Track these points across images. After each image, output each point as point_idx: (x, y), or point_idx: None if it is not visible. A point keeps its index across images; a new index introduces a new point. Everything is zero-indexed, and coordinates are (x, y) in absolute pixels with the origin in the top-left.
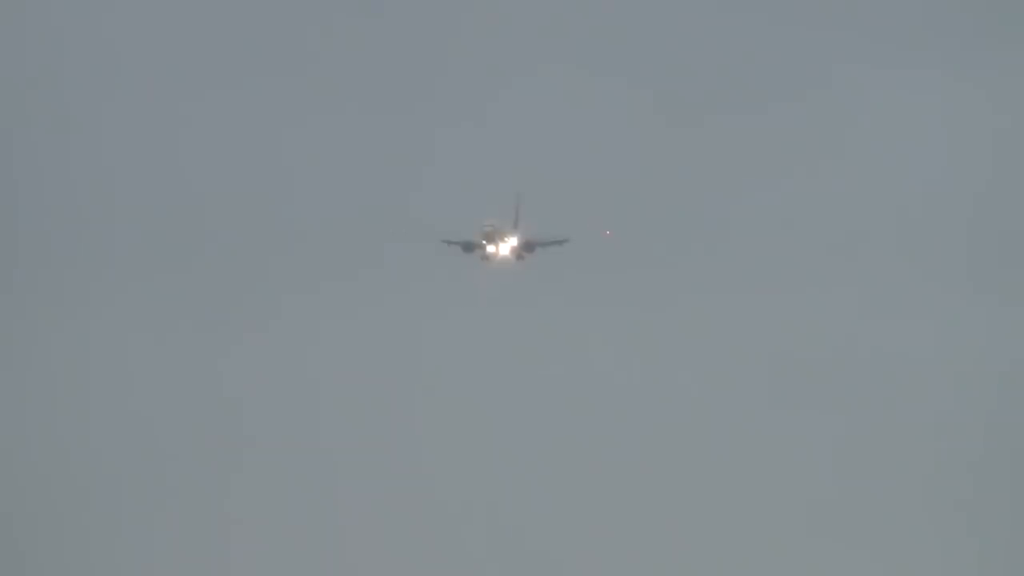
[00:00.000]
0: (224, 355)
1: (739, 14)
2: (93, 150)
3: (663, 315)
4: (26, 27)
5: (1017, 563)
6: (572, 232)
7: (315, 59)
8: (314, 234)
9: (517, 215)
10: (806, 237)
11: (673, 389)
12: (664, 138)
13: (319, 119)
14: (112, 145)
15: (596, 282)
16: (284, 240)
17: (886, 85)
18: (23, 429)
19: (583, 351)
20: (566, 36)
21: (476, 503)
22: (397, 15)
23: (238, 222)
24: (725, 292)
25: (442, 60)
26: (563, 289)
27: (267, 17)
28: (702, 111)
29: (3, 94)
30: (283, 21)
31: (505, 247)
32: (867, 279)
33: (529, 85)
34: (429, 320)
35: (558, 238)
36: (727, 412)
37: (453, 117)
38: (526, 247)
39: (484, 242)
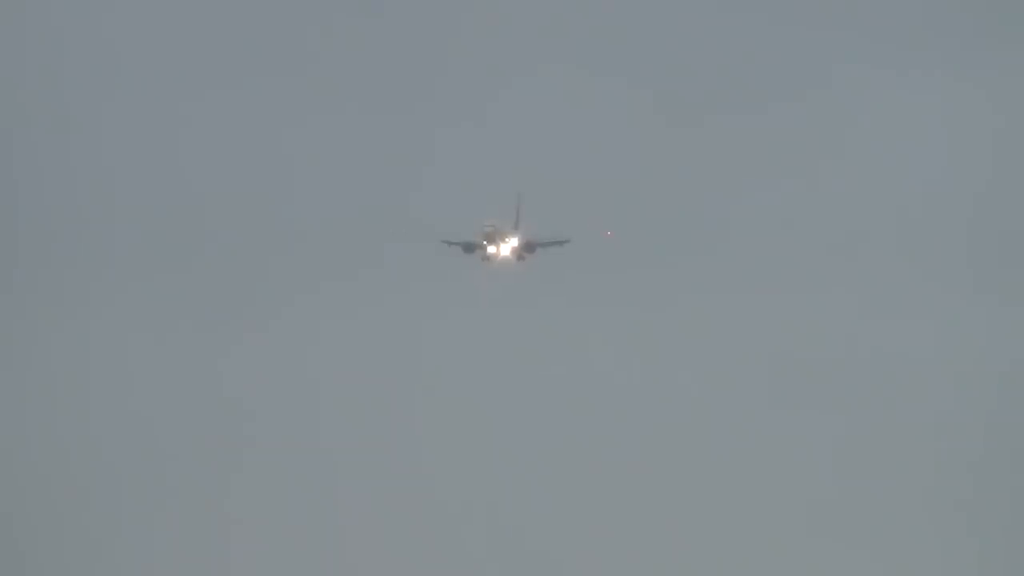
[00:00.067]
0: (224, 355)
1: (739, 14)
2: (93, 150)
3: (664, 315)
4: (26, 27)
5: (1017, 563)
6: (573, 232)
7: (315, 59)
8: (314, 234)
9: (518, 215)
10: (806, 237)
11: (674, 389)
12: (664, 138)
13: (319, 119)
14: (112, 145)
15: (597, 283)
16: (284, 240)
17: (886, 85)
18: (24, 429)
19: (584, 352)
20: (566, 36)
21: (477, 503)
22: (397, 15)
23: (238, 222)
24: (725, 292)
25: (442, 60)
26: (564, 290)
27: (267, 17)
28: (702, 111)
29: (3, 94)
30: (283, 21)
31: (506, 248)
32: (868, 279)
33: (529, 85)
34: (430, 321)
35: (559, 238)
36: (728, 412)
37: (453, 117)
38: (527, 248)
39: (485, 243)
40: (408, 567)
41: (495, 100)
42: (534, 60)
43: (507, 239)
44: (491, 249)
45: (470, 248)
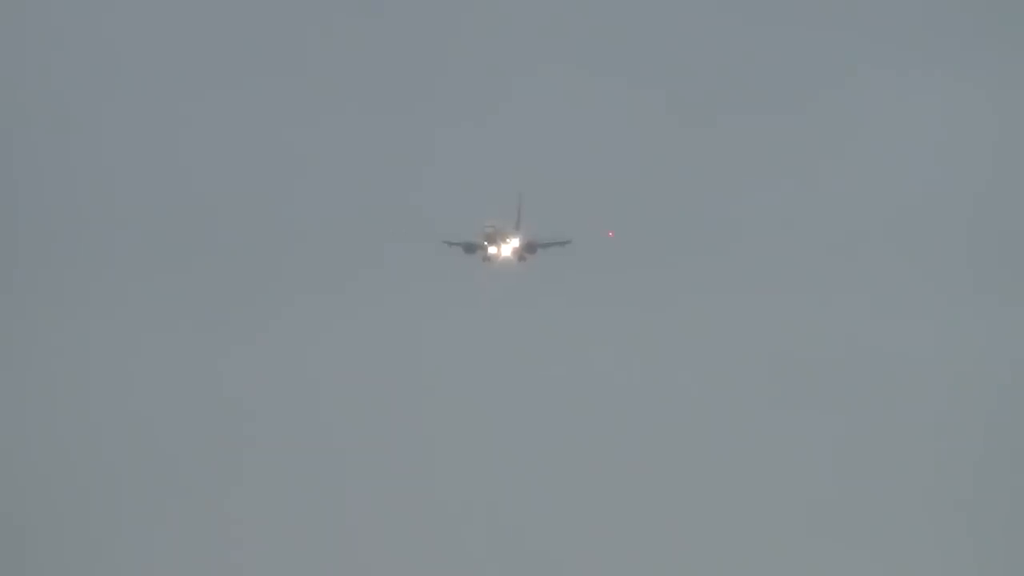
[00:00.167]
0: (224, 356)
1: (740, 14)
2: (94, 151)
3: (665, 316)
4: (26, 27)
5: (1017, 563)
6: (574, 233)
7: (315, 59)
8: (315, 235)
9: (519, 216)
10: (807, 237)
11: (675, 390)
12: (665, 138)
13: (320, 119)
14: (113, 146)
15: (598, 283)
16: (285, 241)
17: (888, 86)
18: (27, 430)
19: (585, 352)
20: (567, 36)
21: (478, 504)
22: (397, 15)
23: (239, 222)
24: (726, 293)
25: (443, 60)
26: (565, 290)
27: (267, 18)
28: (703, 111)
29: (3, 94)
30: (283, 22)
31: (507, 248)
32: (869, 279)
33: (530, 85)
34: (431, 322)
35: (560, 239)
36: (729, 412)
37: (454, 117)
38: (528, 248)
39: (486, 243)
40: (409, 567)
41: (496, 100)
42: (535, 60)
43: (508, 239)
44: (492, 249)
45: (471, 248)
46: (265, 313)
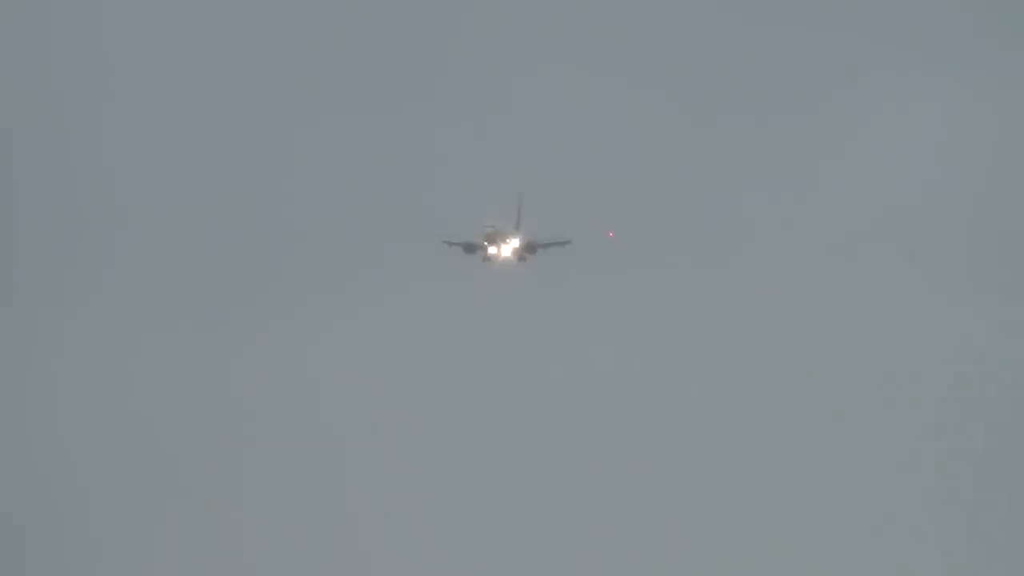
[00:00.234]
0: (224, 356)
1: (740, 14)
2: (95, 151)
3: (665, 316)
4: (26, 27)
5: (1017, 563)
6: (574, 233)
7: (316, 60)
8: (315, 235)
9: (519, 216)
10: (808, 238)
11: (676, 390)
12: (665, 138)
13: (320, 119)
14: (113, 146)
15: (598, 283)
16: (285, 241)
17: (889, 87)
18: (29, 431)
19: (585, 353)
20: (567, 36)
21: (478, 504)
22: (397, 15)
23: (239, 223)
24: (726, 293)
25: (443, 60)
26: (565, 290)
27: (267, 19)
28: (703, 111)
29: (3, 94)
30: (283, 22)
31: (507, 248)
32: (870, 280)
33: (530, 85)
34: (431, 322)
35: (560, 239)
36: (729, 413)
37: (454, 117)
38: (528, 248)
39: (486, 243)
40: (410, 567)
41: (496, 100)
42: (535, 60)
43: (508, 240)
44: (492, 250)
45: (471, 249)
46: (265, 313)
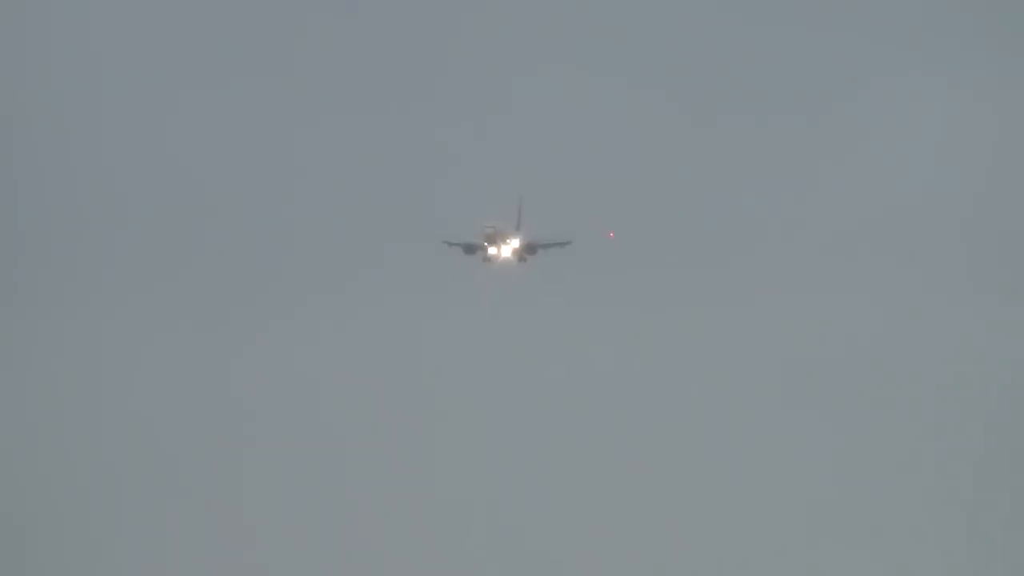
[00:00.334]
0: (224, 356)
1: (740, 14)
2: (96, 151)
3: (665, 317)
4: (26, 27)
5: (1017, 563)
6: (574, 234)
7: (316, 60)
8: (315, 235)
9: (519, 216)
10: (808, 238)
11: (676, 391)
12: (665, 138)
13: (320, 119)
14: (114, 146)
15: (598, 284)
16: (285, 241)
17: (890, 87)
18: (30, 431)
19: (585, 353)
20: (567, 36)
21: (478, 504)
22: (398, 15)
23: (240, 223)
24: (727, 293)
25: (443, 60)
26: (565, 291)
27: (268, 19)
28: (703, 112)
29: (3, 94)
30: (284, 23)
31: (507, 249)
32: (870, 280)
33: (530, 85)
34: (431, 322)
35: (560, 240)
36: (730, 414)
37: (454, 118)
38: (528, 249)
39: (486, 244)
40: (410, 567)
41: (496, 101)
42: (535, 60)
43: (508, 240)
44: (492, 250)
45: (471, 249)
46: (265, 313)
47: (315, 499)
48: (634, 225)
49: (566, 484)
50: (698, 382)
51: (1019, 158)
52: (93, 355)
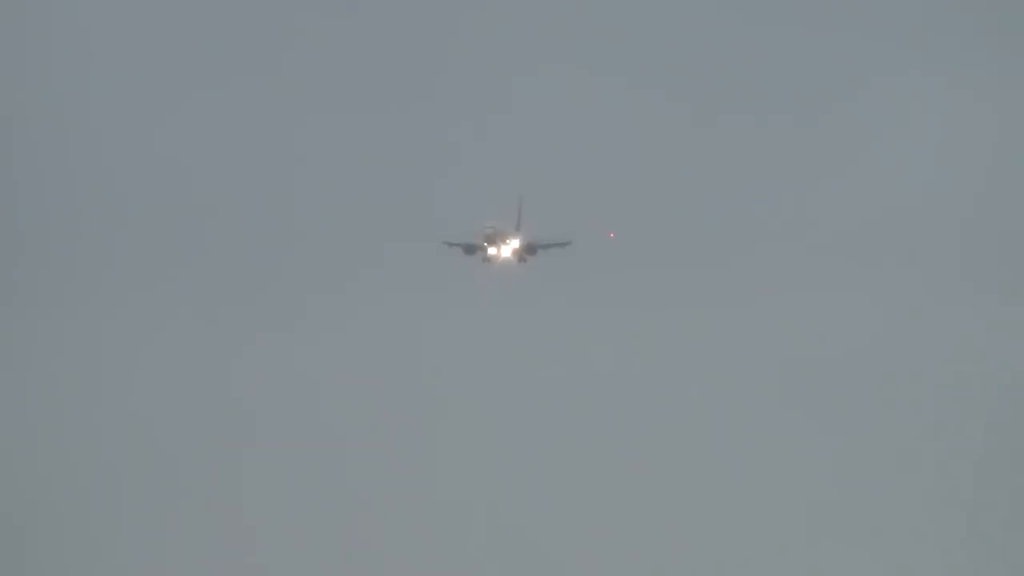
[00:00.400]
0: (224, 356)
1: (741, 14)
2: (96, 151)
3: (666, 317)
4: (26, 27)
5: (1017, 563)
6: (574, 234)
7: (316, 60)
8: (315, 235)
9: (519, 217)
10: (808, 239)
11: (676, 391)
12: (666, 139)
13: (320, 119)
14: (115, 146)
15: (598, 284)
16: (285, 241)
17: (890, 87)
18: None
19: (585, 354)
20: (567, 36)
21: (479, 505)
22: (398, 15)
23: (239, 223)
24: (727, 294)
25: (443, 60)
26: (565, 291)
27: (268, 19)
28: (704, 112)
29: (3, 94)
30: (284, 23)
31: (507, 249)
32: (870, 281)
33: (530, 85)
34: (430, 323)
35: (560, 240)
36: (730, 414)
37: (454, 118)
38: (528, 249)
39: (485, 244)
40: (411, 567)
41: (496, 101)
42: (535, 60)
43: (508, 240)
44: (492, 251)
45: (471, 250)
46: (265, 313)
47: (315, 499)
48: (634, 225)
49: (566, 484)
50: (698, 382)
51: (1019, 158)
52: (93, 355)
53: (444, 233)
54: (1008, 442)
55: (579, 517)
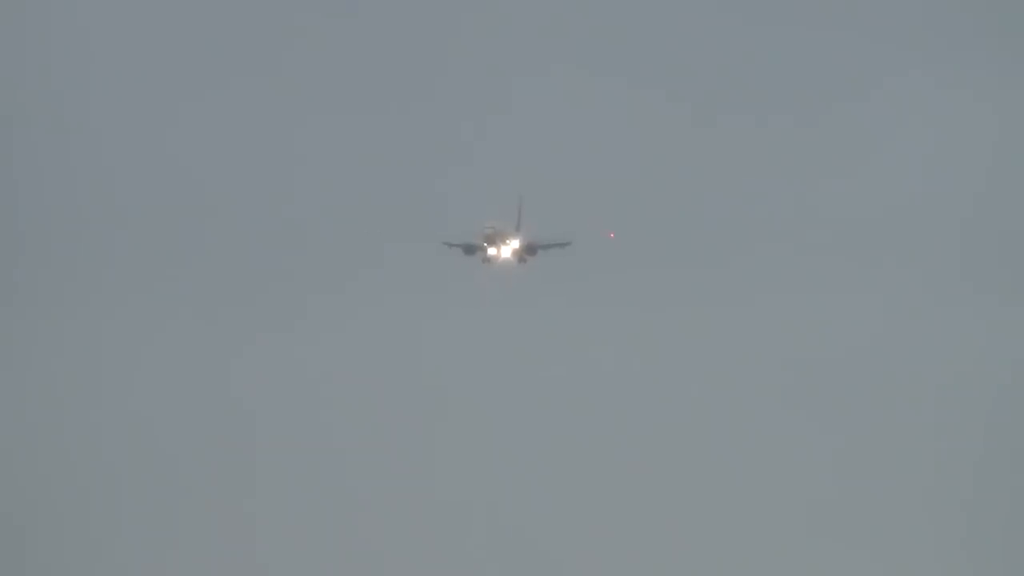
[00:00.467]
0: (224, 356)
1: (741, 14)
2: (96, 151)
3: (666, 317)
4: (26, 27)
5: (1017, 563)
6: (574, 234)
7: (316, 60)
8: (315, 235)
9: (519, 217)
10: (808, 239)
11: (676, 391)
12: (666, 139)
13: (320, 119)
14: (115, 146)
15: (598, 285)
16: (285, 241)
17: (891, 88)
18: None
19: (585, 354)
20: (567, 36)
21: (479, 505)
22: (398, 15)
23: (239, 224)
24: (727, 294)
25: (443, 60)
26: (565, 292)
27: (268, 19)
28: (703, 112)
29: (3, 94)
30: (284, 22)
31: (507, 249)
32: (870, 281)
33: (530, 85)
34: (430, 323)
35: (560, 240)
36: (730, 414)
37: (454, 118)
38: (528, 249)
39: (485, 244)
40: (411, 567)
41: (496, 101)
42: (535, 60)
43: (508, 241)
44: (492, 251)
45: (471, 250)
46: (265, 313)
47: (315, 499)
48: (634, 225)
49: (566, 484)
50: (698, 382)
51: (1019, 158)
52: (93, 355)
53: (444, 233)
54: (1008, 442)
55: (579, 517)
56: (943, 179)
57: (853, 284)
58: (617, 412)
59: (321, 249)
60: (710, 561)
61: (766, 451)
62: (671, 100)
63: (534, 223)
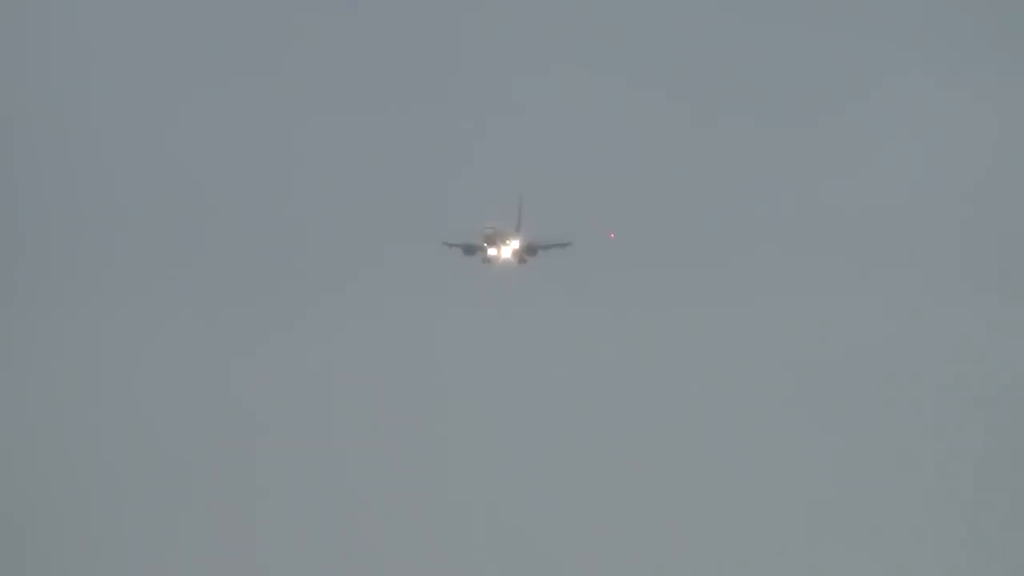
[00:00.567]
0: (224, 357)
1: (741, 14)
2: (96, 151)
3: (666, 318)
4: (26, 27)
5: (1017, 563)
6: (574, 234)
7: (316, 60)
8: (315, 235)
9: (519, 217)
10: (809, 239)
11: (677, 392)
12: (666, 139)
13: (320, 120)
14: (115, 146)
15: (599, 285)
16: (285, 242)
17: (891, 88)
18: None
19: (586, 354)
20: (567, 36)
21: (479, 505)
22: (398, 16)
23: (239, 224)
24: (728, 294)
25: (444, 60)
26: (565, 292)
27: (268, 19)
28: (704, 112)
29: (3, 94)
30: (284, 22)
31: (507, 250)
32: (870, 281)
33: (531, 85)
34: (430, 324)
35: (561, 240)
36: (731, 414)
37: (454, 118)
38: (528, 250)
39: (485, 245)
40: (411, 567)
41: (496, 101)
42: (535, 60)
43: (508, 241)
44: (492, 251)
45: (471, 250)
46: (265, 314)
47: (315, 499)
48: (634, 225)
49: (567, 484)
50: (698, 382)
51: (1019, 158)
52: (94, 356)
53: (444, 233)
54: (1008, 442)
55: (580, 517)
56: (943, 179)
57: (853, 284)
58: (617, 412)
59: (321, 249)
60: (711, 561)
61: (766, 451)
62: (671, 100)
63: (534, 223)
